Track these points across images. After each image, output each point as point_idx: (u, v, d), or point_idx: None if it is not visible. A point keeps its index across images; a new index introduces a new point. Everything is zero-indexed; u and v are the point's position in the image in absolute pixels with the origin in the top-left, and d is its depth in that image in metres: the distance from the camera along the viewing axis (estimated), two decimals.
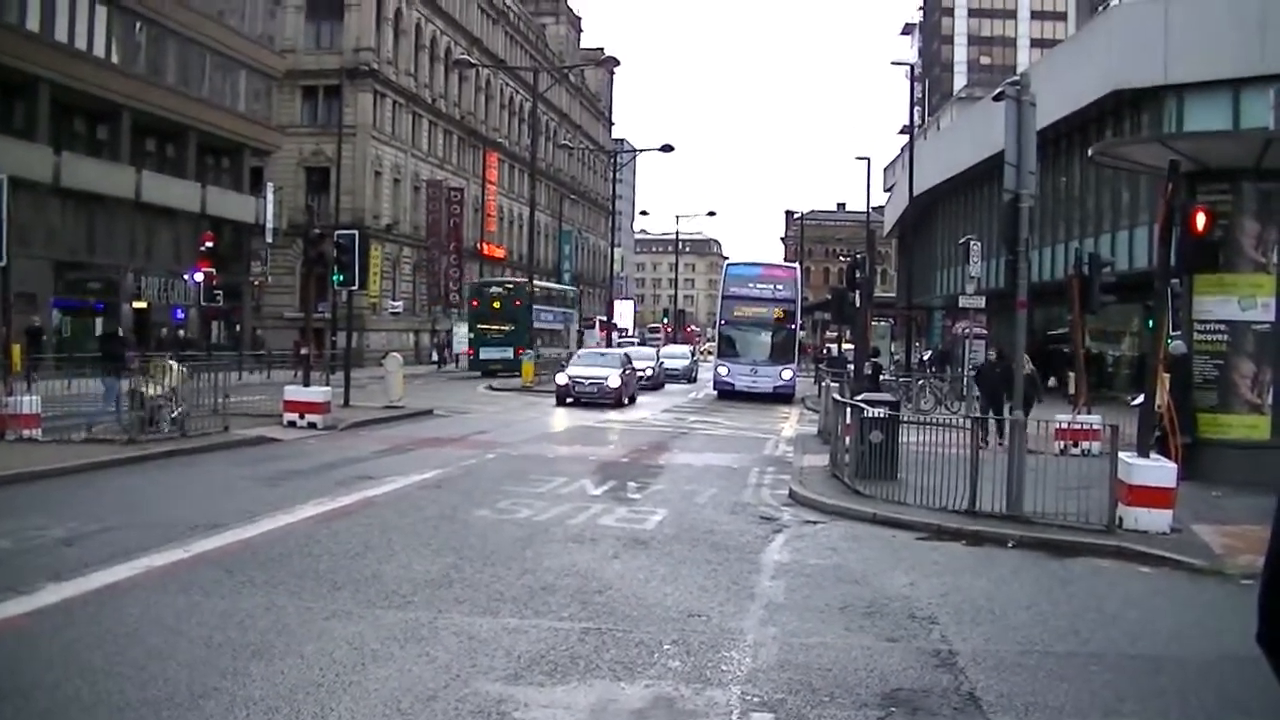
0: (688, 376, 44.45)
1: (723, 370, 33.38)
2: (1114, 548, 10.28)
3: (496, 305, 45.03)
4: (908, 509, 11.89)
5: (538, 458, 16.90)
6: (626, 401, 29.21)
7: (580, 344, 51.26)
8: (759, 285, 33.88)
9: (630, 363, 31.74)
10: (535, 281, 43.67)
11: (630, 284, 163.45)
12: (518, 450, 17.94)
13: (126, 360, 19.19)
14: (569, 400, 28.06)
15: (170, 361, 17.74)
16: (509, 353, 38.71)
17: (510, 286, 47.56)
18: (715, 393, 33.94)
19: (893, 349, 43.69)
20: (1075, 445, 16.57)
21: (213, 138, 43.69)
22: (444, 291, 61.79)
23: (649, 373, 37.63)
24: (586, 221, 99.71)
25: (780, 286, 33.87)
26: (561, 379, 28.74)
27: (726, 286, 34.02)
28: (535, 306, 44.97)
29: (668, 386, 40.73)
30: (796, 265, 37.97)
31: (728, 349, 33.84)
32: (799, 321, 34.66)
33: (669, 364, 43.66)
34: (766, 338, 33.62)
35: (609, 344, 49.66)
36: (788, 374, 33.05)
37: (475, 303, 46.84)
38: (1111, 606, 8.22)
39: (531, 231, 46.71)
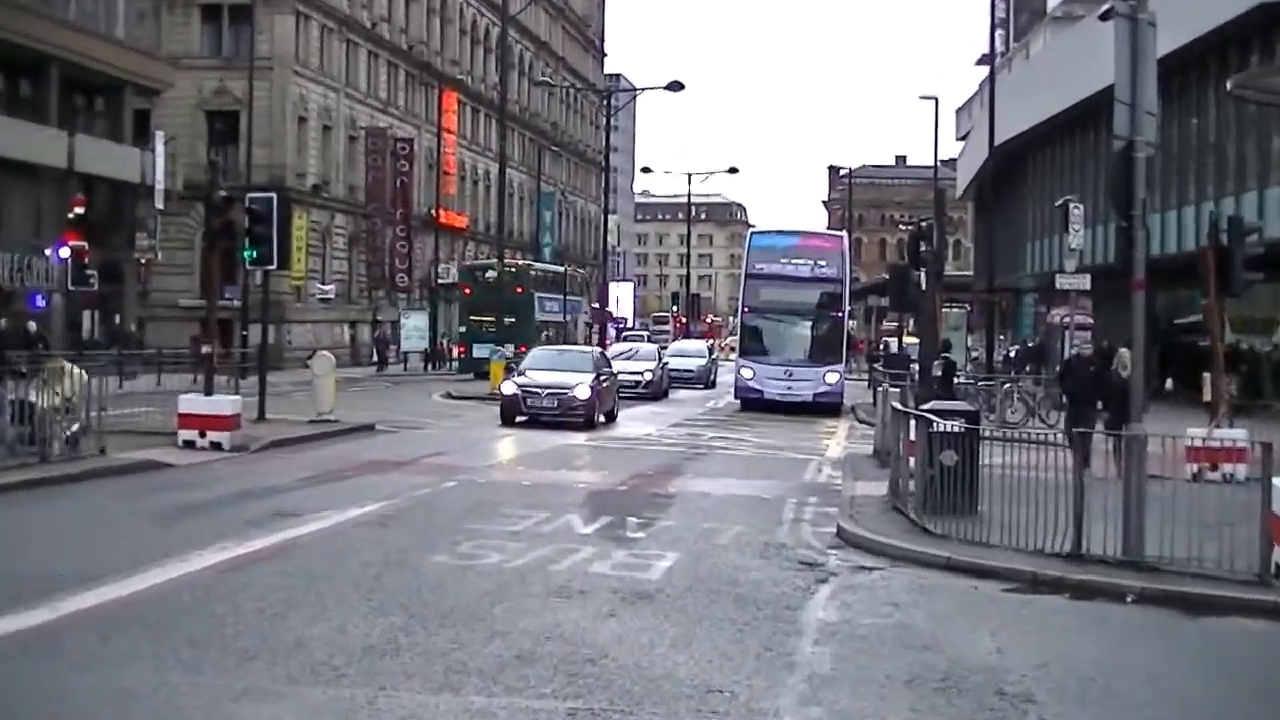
0: (703, 380, 45.08)
1: (747, 373, 33.51)
2: (1270, 605, 10.23)
3: (493, 292, 47.05)
4: (992, 551, 11.86)
5: (511, 486, 16.92)
6: (600, 420, 27.39)
7: (592, 340, 53.15)
8: (795, 261, 33.84)
9: (607, 365, 30.23)
10: (537, 264, 47.28)
11: (629, 262, 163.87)
12: (485, 476, 17.93)
13: (7, 361, 19.11)
14: (519, 419, 26.36)
15: (67, 364, 17.67)
16: (510, 351, 39.64)
17: (512, 269, 49.88)
18: (738, 402, 34.24)
19: (969, 343, 43.77)
20: (1214, 469, 16.53)
21: (82, 72, 42.78)
22: (389, 272, 62.01)
23: (647, 378, 37.43)
24: (573, 181, 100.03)
25: (823, 262, 33.75)
26: (509, 388, 27.05)
27: (751, 263, 34.06)
28: (538, 294, 47.36)
29: (676, 395, 41.02)
30: (843, 234, 37.84)
31: (754, 345, 33.93)
32: (847, 308, 34.70)
33: (677, 364, 44.28)
34: (805, 330, 33.64)
35: (603, 341, 50.54)
36: (833, 377, 33.00)
37: (467, 290, 49.56)
38: (1273, 685, 8.17)
39: (502, 193, 46.86)
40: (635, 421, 29.38)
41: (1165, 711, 7.47)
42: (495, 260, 51.45)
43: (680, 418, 31.48)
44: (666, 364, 43.01)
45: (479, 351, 45.00)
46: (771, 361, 33.29)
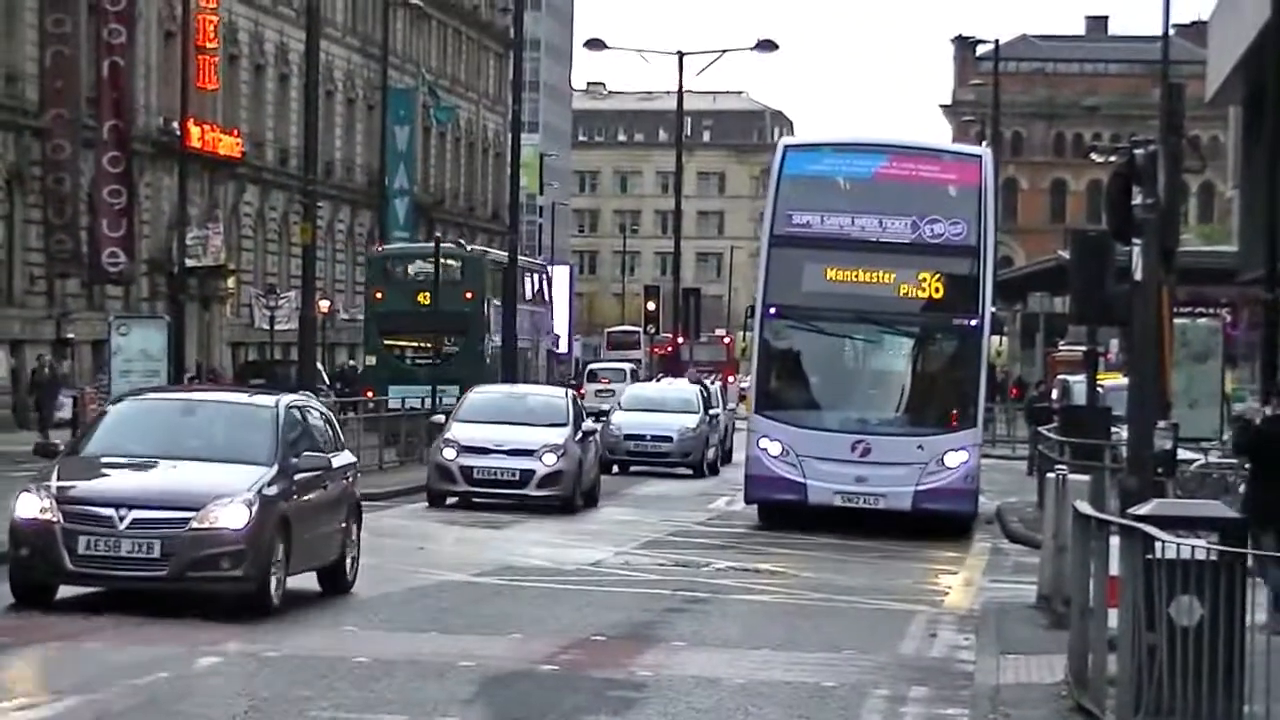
0: (690, 457, 47.28)
1: (771, 448, 32.46)
2: None
3: (423, 299, 51.39)
4: None
5: (329, 664, 16.89)
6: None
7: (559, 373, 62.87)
8: (877, 209, 33.00)
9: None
10: (493, 251, 51.35)
11: (563, 224, 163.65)
12: (279, 645, 17.88)
13: None
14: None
15: None
16: (451, 392, 43.68)
17: (456, 259, 56.19)
18: (754, 509, 34.28)
19: (1230, 388, 43.73)
20: None
21: None
22: (88, 242, 61.51)
23: (550, 461, 34.67)
24: (454, 70, 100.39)
25: (938, 214, 32.61)
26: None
27: (784, 212, 32.98)
28: (493, 303, 53.02)
29: (637, 490, 41.65)
30: (982, 153, 37.50)
31: (785, 390, 33.57)
32: (989, 312, 33.35)
33: (637, 426, 46.96)
34: (897, 359, 33.58)
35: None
36: (958, 459, 31.83)
37: (379, 294, 56.44)
38: None
39: (310, 91, 46.56)
40: (606, 527, 29.46)
41: None
42: (427, 244, 55.88)
43: (655, 526, 31.59)
44: (617, 426, 45.31)
45: (400, 394, 50.09)
46: (822, 425, 32.35)
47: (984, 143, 72.17)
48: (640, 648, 18.71)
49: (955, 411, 32.46)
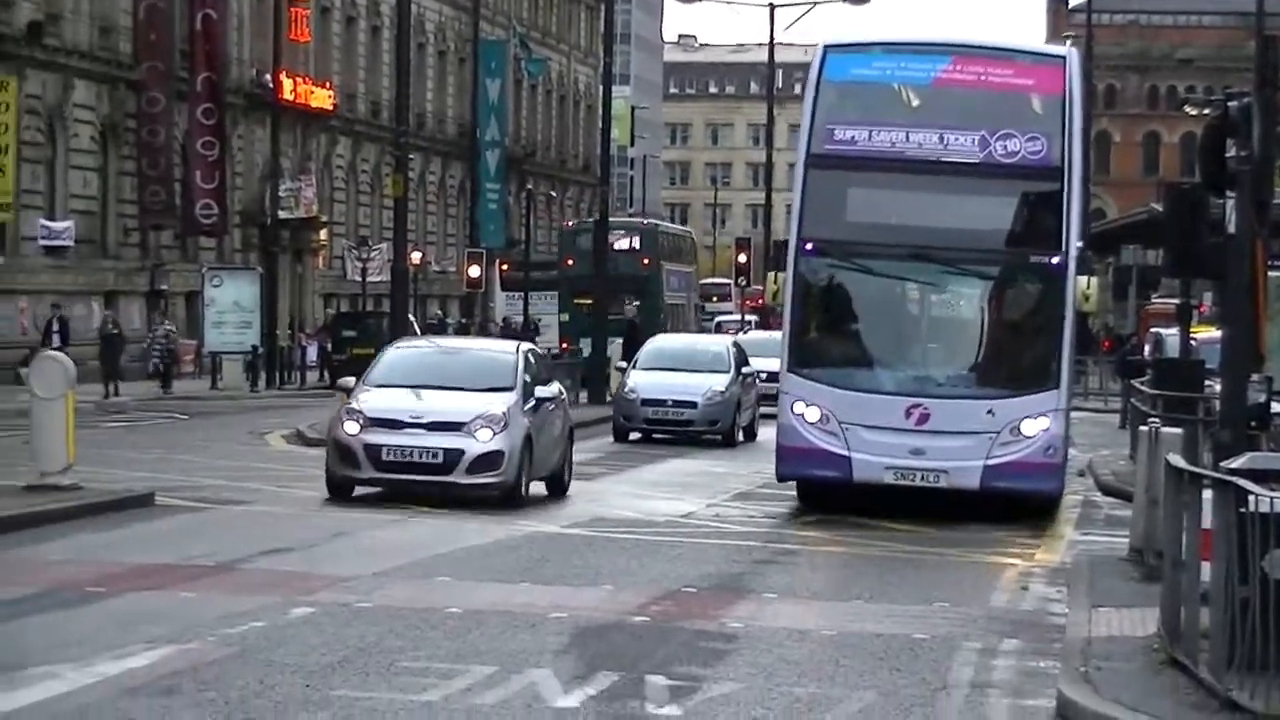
0: (718, 424, 41.65)
1: (809, 414, 27.00)
2: None
3: (614, 266, 58.97)
4: None
5: (422, 614, 16.98)
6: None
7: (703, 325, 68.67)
8: (935, 114, 28.10)
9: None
10: (664, 225, 56.12)
11: (654, 177, 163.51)
12: (371, 595, 18.01)
13: None
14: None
15: None
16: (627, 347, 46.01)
17: (638, 232, 67.02)
18: (792, 488, 29.13)
19: None
20: None
21: None
22: (180, 194, 61.87)
23: (484, 438, 26.68)
24: (545, 22, 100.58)
25: (1012, 128, 27.45)
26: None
27: (825, 121, 27.81)
28: (667, 267, 61.45)
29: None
30: (1065, 53, 30.14)
31: (823, 344, 28.49)
32: (1074, 241, 27.53)
33: (656, 389, 41.08)
34: (963, 305, 28.51)
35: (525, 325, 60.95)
36: (1038, 425, 26.69)
37: (570, 261, 64.73)
38: None
39: (403, 42, 46.68)
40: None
41: None
42: (611, 219, 60.78)
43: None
44: (632, 389, 41.25)
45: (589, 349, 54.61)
46: (871, 386, 27.14)
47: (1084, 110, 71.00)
48: (731, 599, 18.73)
49: (1034, 369, 27.23)
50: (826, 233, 27.34)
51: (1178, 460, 16.68)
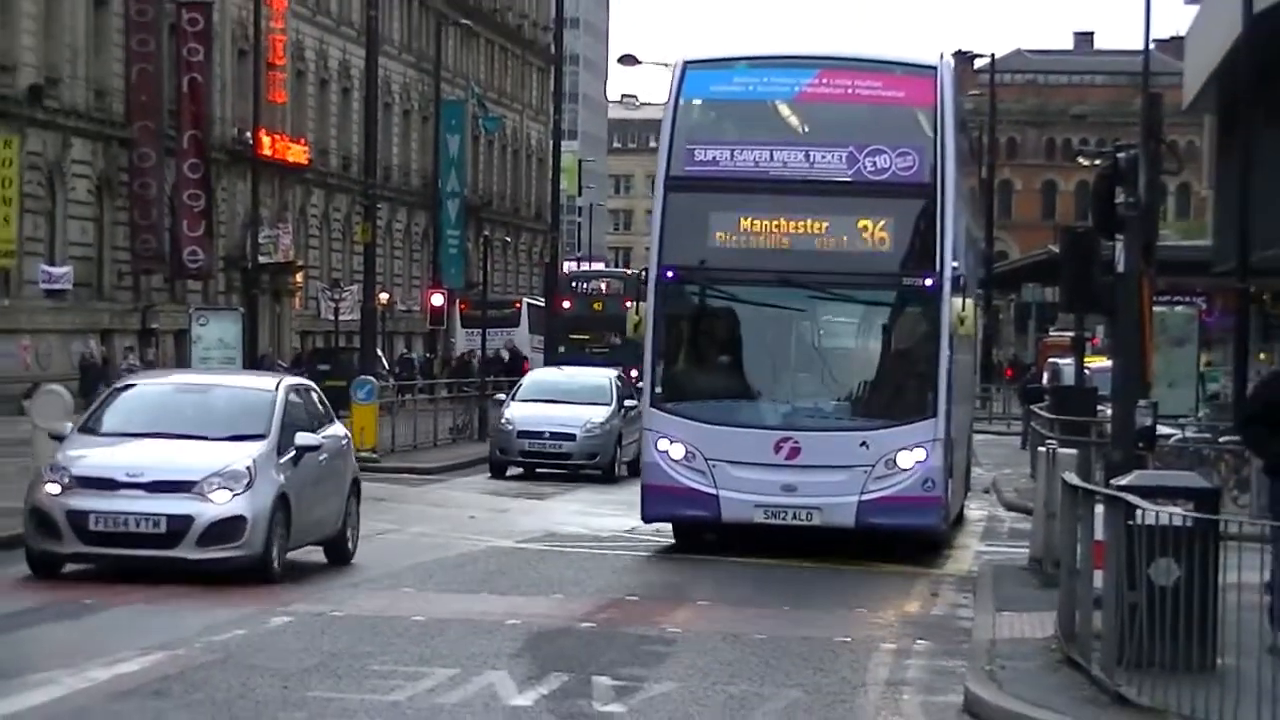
0: (597, 458, 36.96)
1: (675, 453, 23.57)
2: None
3: (598, 306, 66.24)
4: None
5: (389, 622, 17.08)
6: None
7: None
8: (801, 131, 24.95)
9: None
10: (643, 272, 58.87)
11: (601, 224, 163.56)
12: (342, 605, 18.10)
13: None
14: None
15: None
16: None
17: (621, 278, 70.44)
18: (666, 530, 25.84)
19: (1205, 368, 43.74)
20: None
21: None
22: (169, 242, 61.81)
23: (221, 500, 18.98)
24: (500, 83, 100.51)
25: (883, 143, 24.01)
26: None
27: (686, 141, 24.39)
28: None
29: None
30: (938, 63, 25.35)
31: (687, 375, 24.99)
32: (950, 261, 23.78)
33: (534, 420, 36.81)
34: (832, 332, 24.94)
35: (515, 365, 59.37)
36: (912, 459, 23.22)
37: (567, 302, 66.09)
38: None
39: (370, 102, 46.72)
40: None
41: None
42: (601, 269, 65.62)
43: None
44: (510, 421, 36.84)
45: None
46: (738, 420, 23.83)
47: (981, 163, 70.64)
48: (670, 606, 18.84)
49: (910, 397, 23.87)
50: (688, 259, 23.75)
51: (1073, 478, 16.85)
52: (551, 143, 71.96)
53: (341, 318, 66.70)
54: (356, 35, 68.83)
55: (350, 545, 21.24)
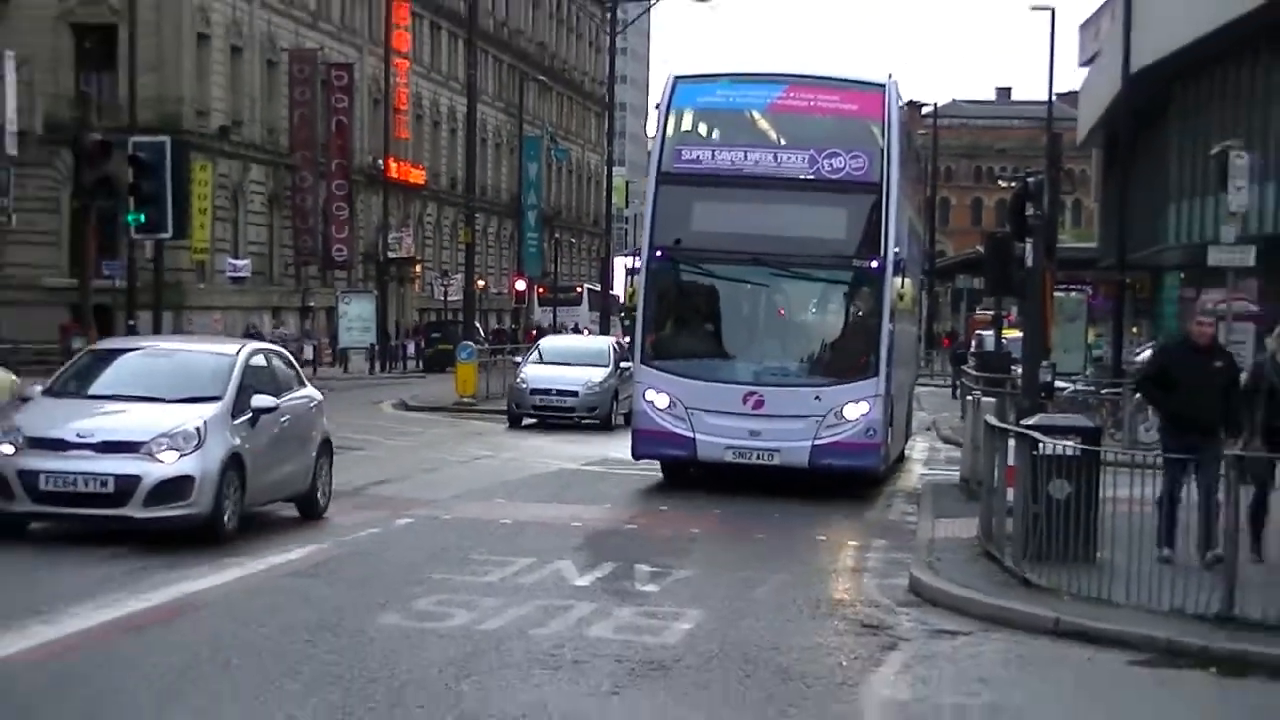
0: (596, 411, 33.33)
1: (660, 402, 21.82)
2: None
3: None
4: (1114, 612, 12.04)
5: (485, 524, 17.16)
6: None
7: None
8: (770, 136, 23.21)
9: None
10: None
11: (645, 229, 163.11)
12: (450, 511, 18.19)
13: None
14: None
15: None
16: None
17: None
18: (655, 467, 23.62)
19: (1091, 339, 43.78)
20: None
21: None
22: (322, 242, 62.30)
23: (169, 460, 15.02)
24: (567, 123, 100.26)
25: (838, 148, 22.24)
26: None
27: (673, 148, 22.62)
28: None
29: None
30: (885, 81, 23.22)
31: (673, 339, 22.92)
32: (892, 247, 22.04)
33: (547, 381, 33.42)
34: (793, 304, 22.98)
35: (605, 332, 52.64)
36: (860, 409, 21.31)
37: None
38: None
39: (472, 138, 46.95)
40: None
41: None
42: None
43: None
44: (525, 379, 33.64)
45: None
46: (712, 376, 21.91)
47: (928, 185, 70.14)
48: (692, 516, 18.87)
49: (856, 360, 21.93)
50: (673, 241, 22.19)
51: (992, 420, 16.99)
52: (605, 168, 72.40)
53: (449, 298, 66.90)
54: (460, 88, 68.54)
55: (321, 500, 17.31)
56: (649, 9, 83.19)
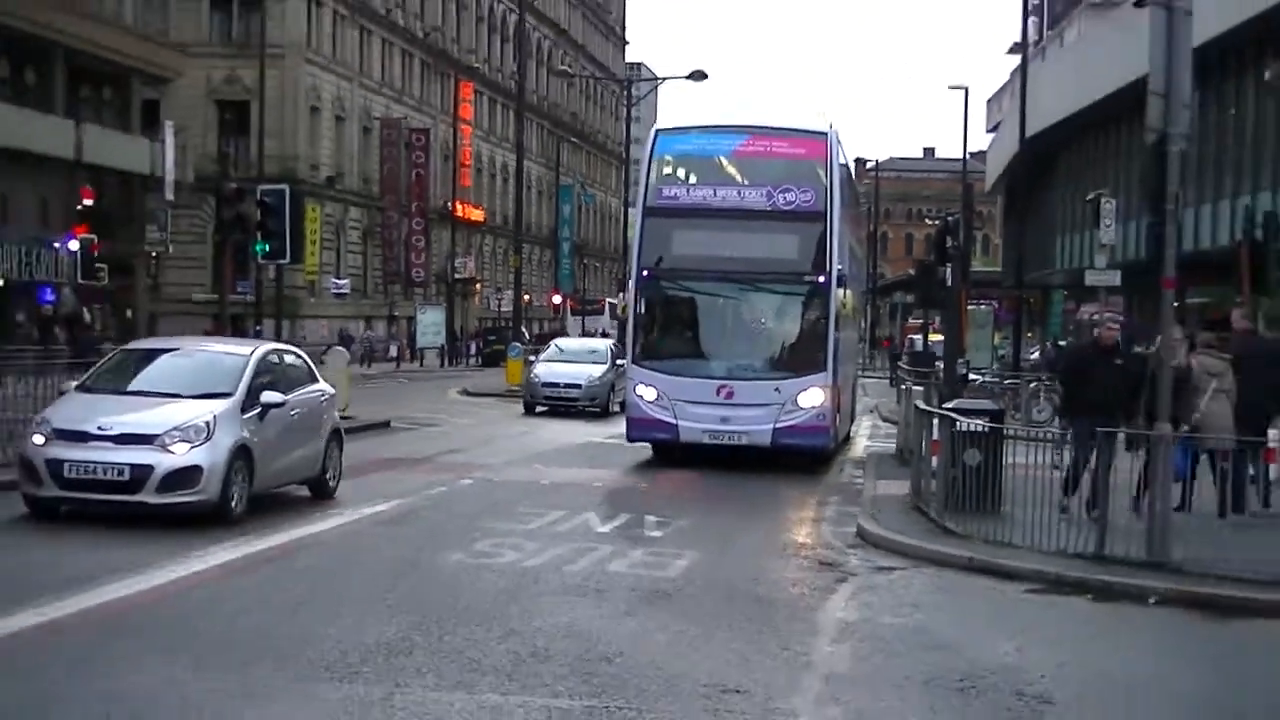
0: (596, 400, 31.42)
1: (647, 393, 20.71)
2: None
3: None
4: (1014, 552, 11.99)
5: (527, 484, 17.13)
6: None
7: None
8: (739, 180, 21.77)
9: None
10: None
11: None
12: (501, 474, 18.15)
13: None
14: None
15: None
16: None
17: None
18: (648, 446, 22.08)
19: (997, 341, 43.74)
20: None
21: (89, 59, 42.33)
22: (404, 265, 62.37)
23: (180, 452, 12.89)
24: (592, 174, 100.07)
25: (792, 184, 21.34)
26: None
27: (657, 186, 21.66)
28: None
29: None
30: (828, 129, 22.15)
31: (658, 342, 21.58)
32: (836, 270, 20.80)
33: (555, 375, 31.77)
34: (756, 312, 21.65)
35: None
36: (812, 398, 20.31)
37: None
38: None
39: (519, 186, 46.99)
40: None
41: (1184, 716, 7.56)
42: None
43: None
44: (537, 376, 31.89)
45: None
46: (691, 372, 20.82)
47: (872, 222, 69.95)
48: (690, 479, 18.93)
49: (808, 358, 20.78)
50: (658, 263, 21.17)
51: (921, 404, 16.94)
52: (623, 209, 72.45)
53: (501, 309, 66.88)
54: (511, 147, 68.60)
55: (331, 484, 15.41)
56: (656, 88, 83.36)
